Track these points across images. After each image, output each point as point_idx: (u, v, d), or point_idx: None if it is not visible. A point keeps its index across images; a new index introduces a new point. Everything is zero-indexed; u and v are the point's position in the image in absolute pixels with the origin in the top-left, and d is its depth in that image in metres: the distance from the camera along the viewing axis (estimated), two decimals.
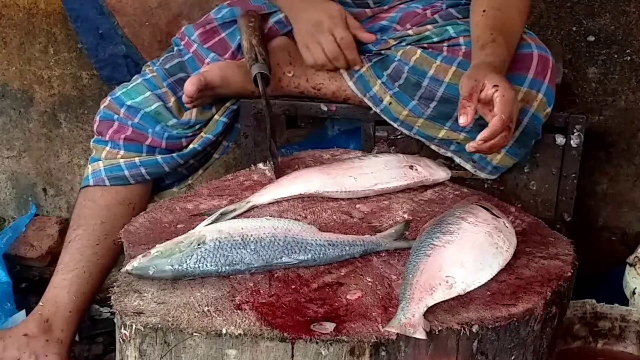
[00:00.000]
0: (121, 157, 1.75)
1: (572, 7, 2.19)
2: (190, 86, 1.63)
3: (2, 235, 2.38)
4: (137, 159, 1.75)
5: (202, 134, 1.78)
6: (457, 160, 1.66)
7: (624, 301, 1.77)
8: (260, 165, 1.53)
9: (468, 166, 1.66)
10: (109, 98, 1.78)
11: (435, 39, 1.65)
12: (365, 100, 1.67)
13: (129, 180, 1.75)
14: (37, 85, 2.51)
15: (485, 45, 1.48)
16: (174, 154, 1.77)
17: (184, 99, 1.67)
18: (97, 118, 1.79)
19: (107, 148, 1.76)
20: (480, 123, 1.44)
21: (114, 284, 1.12)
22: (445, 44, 1.63)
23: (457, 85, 1.49)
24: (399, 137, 1.71)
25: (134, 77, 1.82)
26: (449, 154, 1.66)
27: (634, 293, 1.74)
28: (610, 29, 2.19)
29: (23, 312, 1.98)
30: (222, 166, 2.48)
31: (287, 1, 1.73)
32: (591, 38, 2.21)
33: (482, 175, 1.67)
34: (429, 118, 1.61)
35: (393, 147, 1.71)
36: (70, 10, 2.36)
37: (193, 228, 1.28)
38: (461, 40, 1.62)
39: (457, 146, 1.63)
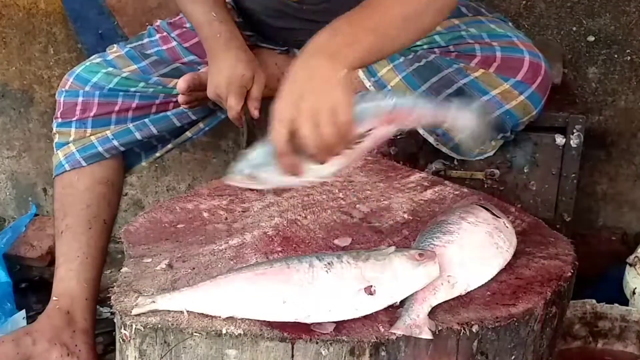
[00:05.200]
0: (91, 135, 1.72)
1: (572, 7, 2.19)
2: (182, 83, 1.62)
3: (2, 235, 2.38)
4: (108, 133, 1.72)
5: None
6: (421, 132, 1.66)
7: (624, 301, 1.77)
8: None
9: (431, 139, 1.67)
10: (70, 79, 1.74)
11: (426, 47, 1.66)
12: (370, 86, 1.67)
13: (104, 155, 1.73)
14: (37, 85, 2.51)
15: (334, 21, 1.19)
16: (146, 119, 1.74)
17: (179, 98, 1.66)
18: (61, 100, 1.74)
19: (73, 129, 1.73)
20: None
21: (114, 284, 1.12)
22: (437, 50, 1.65)
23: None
24: (398, 137, 1.71)
25: (92, 56, 1.79)
26: None
27: (634, 293, 1.74)
28: (610, 29, 2.19)
29: (23, 312, 1.98)
30: (222, 166, 2.48)
31: (208, 45, 1.64)
32: (591, 38, 2.21)
33: (445, 149, 1.67)
34: None
35: (393, 147, 1.72)
36: (70, 10, 2.36)
37: (193, 227, 1.29)
38: (451, 48, 1.63)
39: None
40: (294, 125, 1.06)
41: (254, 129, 1.56)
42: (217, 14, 1.63)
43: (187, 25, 1.81)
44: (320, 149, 1.07)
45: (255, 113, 1.56)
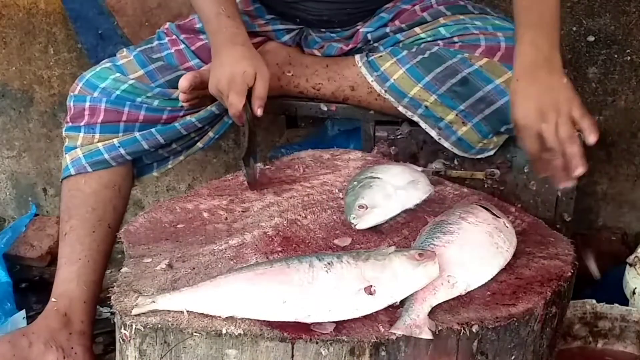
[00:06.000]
0: (98, 141, 1.71)
1: (572, 7, 2.19)
2: (184, 81, 1.62)
3: (2, 235, 2.39)
4: (115, 141, 1.71)
5: (187, 116, 1.74)
6: (423, 125, 1.67)
7: (624, 301, 1.77)
8: (260, 165, 1.53)
9: (433, 133, 1.67)
10: (79, 84, 1.74)
11: (429, 39, 1.66)
12: (372, 81, 1.67)
13: (110, 162, 1.72)
14: (37, 85, 2.51)
15: (522, 36, 1.44)
16: (153, 129, 1.73)
17: (180, 96, 1.66)
18: (71, 104, 1.74)
19: (82, 134, 1.72)
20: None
21: (114, 284, 1.12)
22: (440, 42, 1.65)
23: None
24: (399, 137, 1.71)
25: (103, 61, 1.78)
26: (415, 118, 1.67)
27: (634, 293, 1.74)
28: (610, 29, 2.19)
29: (23, 312, 1.98)
30: (222, 166, 2.49)
31: (214, 39, 1.64)
32: (591, 38, 2.21)
33: (447, 144, 1.67)
34: (441, 96, 1.62)
35: (393, 147, 1.71)
36: (70, 10, 2.36)
37: (193, 227, 1.29)
38: (455, 39, 1.63)
39: (424, 110, 1.64)
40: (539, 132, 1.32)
41: (255, 127, 1.55)
42: (226, 9, 1.63)
43: (197, 26, 1.81)
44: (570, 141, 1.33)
45: (258, 111, 1.55)
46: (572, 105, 1.34)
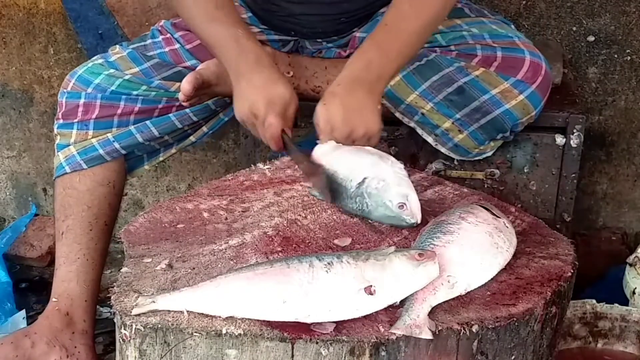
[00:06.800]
0: (92, 137, 1.71)
1: (572, 7, 2.19)
2: (187, 84, 1.60)
3: (2, 235, 2.39)
4: (109, 135, 1.71)
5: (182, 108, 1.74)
6: (420, 132, 1.68)
7: (624, 301, 1.77)
8: (260, 165, 1.53)
9: (430, 139, 1.68)
10: (72, 80, 1.72)
11: (427, 46, 1.67)
12: None
13: (105, 158, 1.72)
14: (37, 85, 2.51)
15: (364, 51, 1.48)
16: (147, 122, 1.72)
17: (180, 97, 1.65)
18: (63, 101, 1.72)
19: (75, 131, 1.71)
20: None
21: (114, 284, 1.12)
22: (437, 49, 1.65)
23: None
24: (398, 137, 1.71)
25: (94, 57, 1.77)
26: (412, 124, 1.68)
27: (634, 293, 1.74)
28: (610, 29, 2.19)
29: (23, 312, 1.98)
30: (222, 166, 2.49)
31: (236, 63, 1.52)
32: (591, 38, 2.21)
33: (444, 150, 1.69)
34: (437, 104, 1.62)
35: (393, 147, 1.72)
36: (70, 10, 2.36)
37: (193, 227, 1.29)
38: (452, 47, 1.64)
39: (421, 117, 1.65)
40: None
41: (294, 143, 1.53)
42: (244, 32, 1.55)
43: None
44: None
45: (289, 132, 1.51)
46: (374, 132, 1.42)
